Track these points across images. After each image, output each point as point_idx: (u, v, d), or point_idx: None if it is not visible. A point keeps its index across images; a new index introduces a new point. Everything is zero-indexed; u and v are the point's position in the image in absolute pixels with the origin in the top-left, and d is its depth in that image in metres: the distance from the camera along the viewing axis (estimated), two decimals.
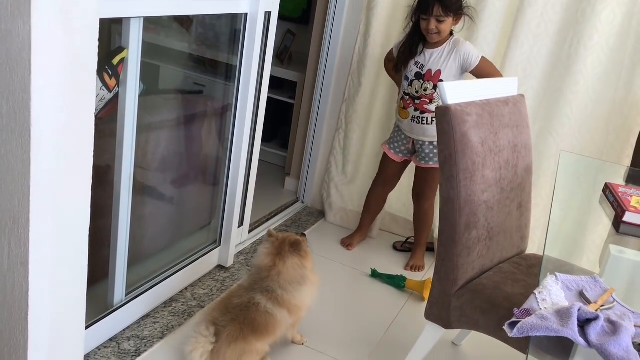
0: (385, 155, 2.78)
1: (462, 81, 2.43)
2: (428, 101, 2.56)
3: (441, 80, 2.51)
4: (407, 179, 2.89)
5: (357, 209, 3.10)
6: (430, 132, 2.60)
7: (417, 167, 2.74)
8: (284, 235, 2.01)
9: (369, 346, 2.26)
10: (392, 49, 2.68)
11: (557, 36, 2.58)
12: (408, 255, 2.94)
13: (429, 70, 2.52)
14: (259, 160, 2.63)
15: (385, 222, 3.15)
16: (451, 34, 2.52)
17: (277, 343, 2.04)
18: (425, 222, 2.82)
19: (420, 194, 2.77)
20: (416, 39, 2.53)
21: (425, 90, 2.54)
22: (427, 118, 2.58)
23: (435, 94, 2.54)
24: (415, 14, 2.50)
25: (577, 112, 2.60)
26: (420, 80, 2.54)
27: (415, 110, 2.59)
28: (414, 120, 2.60)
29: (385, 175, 2.82)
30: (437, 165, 2.63)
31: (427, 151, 2.65)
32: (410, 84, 2.57)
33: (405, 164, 2.78)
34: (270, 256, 1.97)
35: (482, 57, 2.46)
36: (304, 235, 2.10)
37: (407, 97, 2.60)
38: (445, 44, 2.50)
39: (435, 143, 2.62)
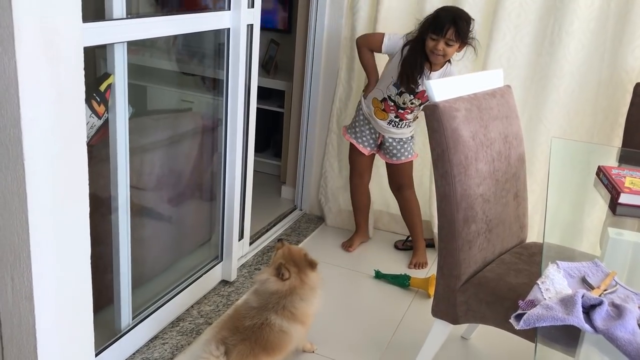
0: (353, 148, 2.81)
1: (448, 78, 2.45)
2: (409, 111, 2.64)
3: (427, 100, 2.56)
4: None
5: None
6: (400, 132, 2.70)
7: (387, 163, 2.80)
8: (284, 252, 2.01)
9: (379, 348, 2.26)
10: (382, 39, 2.56)
11: (538, 23, 2.60)
12: (410, 253, 2.94)
13: (423, 91, 2.55)
14: (254, 171, 2.63)
15: (385, 221, 3.16)
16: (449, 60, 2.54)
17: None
18: (413, 213, 2.86)
19: (399, 186, 2.84)
20: (421, 59, 2.47)
21: (412, 103, 2.62)
22: (403, 123, 2.67)
23: (417, 107, 2.63)
24: (424, 31, 2.44)
25: (564, 97, 2.62)
26: (411, 95, 2.59)
27: (396, 117, 2.66)
28: (390, 124, 2.67)
29: (359, 169, 2.86)
30: (406, 160, 2.76)
31: (394, 151, 2.73)
32: (400, 95, 2.60)
33: (373, 155, 2.83)
34: (297, 276, 1.95)
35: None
36: (281, 240, 2.08)
37: (392, 104, 2.63)
38: (444, 67, 2.54)
39: (399, 140, 2.72)
